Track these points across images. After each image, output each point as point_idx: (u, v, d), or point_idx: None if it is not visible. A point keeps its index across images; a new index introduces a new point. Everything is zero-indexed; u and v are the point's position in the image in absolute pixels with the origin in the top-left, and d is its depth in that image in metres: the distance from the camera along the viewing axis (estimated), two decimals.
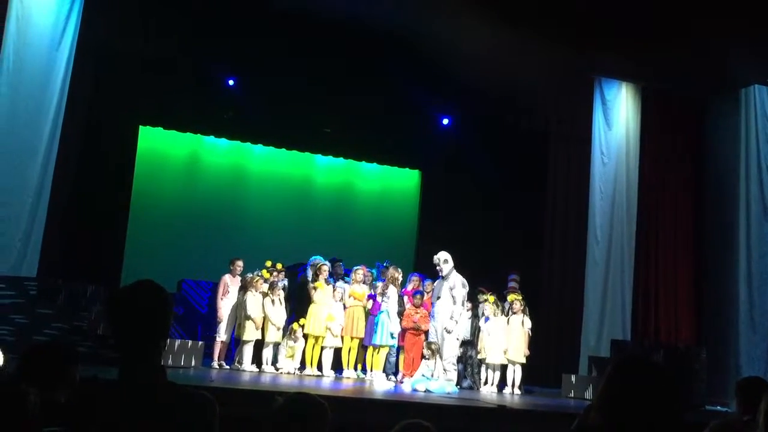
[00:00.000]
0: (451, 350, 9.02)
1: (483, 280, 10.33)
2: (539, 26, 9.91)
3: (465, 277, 9.32)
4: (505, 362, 9.67)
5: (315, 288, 9.51)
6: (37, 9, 9.40)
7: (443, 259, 9.07)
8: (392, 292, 9.67)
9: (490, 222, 12.21)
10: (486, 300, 9.84)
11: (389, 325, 9.51)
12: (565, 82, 11.83)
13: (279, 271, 9.83)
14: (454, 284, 9.01)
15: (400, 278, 9.84)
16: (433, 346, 8.89)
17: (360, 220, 13.35)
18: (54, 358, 2.95)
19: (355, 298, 9.64)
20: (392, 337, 9.53)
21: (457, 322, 9.02)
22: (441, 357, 8.92)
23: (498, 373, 9.71)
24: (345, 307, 9.63)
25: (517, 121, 11.78)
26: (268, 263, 9.78)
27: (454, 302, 8.98)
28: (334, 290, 9.59)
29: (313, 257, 9.97)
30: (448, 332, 8.93)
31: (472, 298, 9.96)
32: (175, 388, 2.19)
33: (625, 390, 2.27)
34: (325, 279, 9.58)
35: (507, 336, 9.65)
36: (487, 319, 9.73)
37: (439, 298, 9.09)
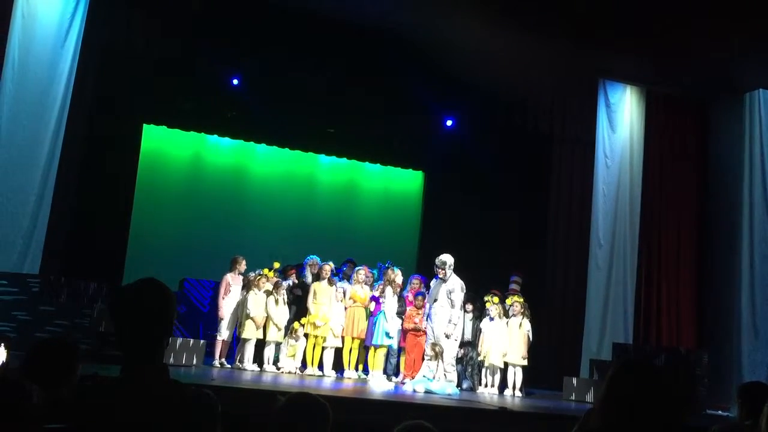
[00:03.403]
0: (451, 352, 9.00)
1: (485, 282, 10.32)
2: (545, 28, 9.91)
3: (466, 279, 9.30)
4: (502, 364, 9.67)
5: (314, 291, 9.49)
6: (42, 7, 9.43)
7: (448, 264, 9.04)
8: (389, 293, 9.67)
9: (492, 223, 12.21)
10: (489, 301, 9.83)
11: (385, 325, 9.51)
12: (570, 84, 11.83)
13: (288, 272, 9.85)
14: (453, 287, 8.98)
15: (398, 280, 9.80)
16: (436, 348, 8.87)
17: (363, 221, 13.35)
18: (58, 356, 2.95)
19: (355, 301, 9.63)
20: (388, 337, 9.52)
21: (455, 326, 9.01)
22: (442, 359, 8.91)
23: (498, 375, 9.71)
24: (346, 308, 9.63)
25: (521, 123, 11.77)
26: (276, 265, 9.78)
27: (453, 305, 8.96)
28: (336, 291, 9.58)
29: (308, 257, 9.96)
30: (448, 337, 8.92)
31: (476, 299, 9.95)
32: (177, 386, 2.19)
33: (626, 393, 2.27)
34: (327, 278, 9.57)
35: (507, 338, 9.64)
36: (491, 319, 9.72)
37: (436, 300, 9.07)
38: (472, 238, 11.81)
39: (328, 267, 9.65)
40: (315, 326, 9.35)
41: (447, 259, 9.04)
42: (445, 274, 9.01)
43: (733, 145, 11.87)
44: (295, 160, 13.16)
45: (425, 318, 9.26)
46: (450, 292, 8.94)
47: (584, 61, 11.12)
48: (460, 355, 9.64)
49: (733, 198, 11.73)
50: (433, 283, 9.29)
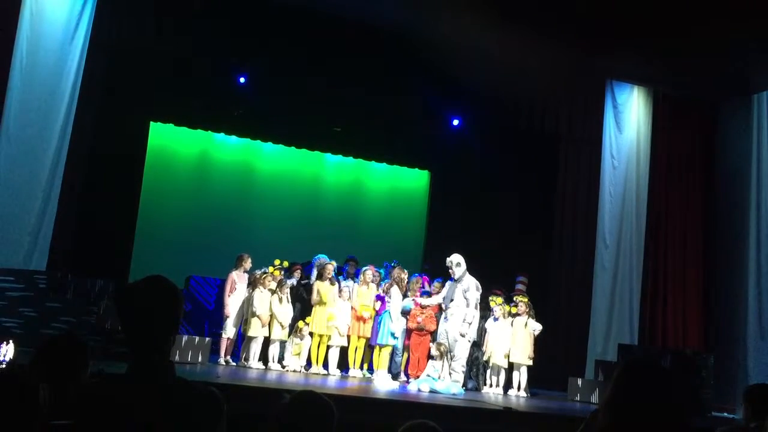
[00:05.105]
0: (463, 352, 8.98)
1: (491, 282, 10.31)
2: (552, 28, 9.89)
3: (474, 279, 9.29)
4: (507, 364, 9.66)
5: (318, 290, 9.48)
6: (50, 5, 9.47)
7: (456, 262, 9.01)
8: (395, 292, 9.66)
9: (498, 223, 12.20)
10: (493, 301, 9.82)
11: (390, 325, 9.51)
12: (577, 85, 11.81)
13: (293, 269, 9.85)
14: (468, 287, 8.96)
15: (405, 279, 9.80)
16: (441, 348, 8.86)
17: (369, 220, 13.35)
18: (68, 353, 2.96)
19: (357, 310, 9.59)
20: (394, 337, 9.51)
21: (470, 325, 8.99)
22: (450, 358, 8.91)
23: (502, 375, 9.69)
24: (352, 307, 9.62)
25: (528, 123, 11.76)
26: (277, 262, 9.79)
27: (468, 305, 8.94)
28: (340, 290, 9.58)
29: (317, 256, 9.97)
30: (462, 336, 8.90)
31: (481, 299, 9.94)
32: (183, 383, 2.20)
33: (632, 394, 2.26)
34: (330, 278, 9.56)
35: (512, 338, 9.63)
36: (496, 319, 9.71)
37: (452, 300, 9.05)
38: (478, 238, 11.80)
39: (330, 267, 9.60)
40: (328, 327, 9.35)
41: (455, 258, 9.03)
42: (455, 274, 8.99)
43: (741, 145, 11.83)
44: (301, 158, 13.16)
45: (443, 319, 9.21)
46: (465, 291, 8.93)
47: (591, 61, 11.10)
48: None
49: (740, 199, 11.69)
50: (447, 284, 9.27)
